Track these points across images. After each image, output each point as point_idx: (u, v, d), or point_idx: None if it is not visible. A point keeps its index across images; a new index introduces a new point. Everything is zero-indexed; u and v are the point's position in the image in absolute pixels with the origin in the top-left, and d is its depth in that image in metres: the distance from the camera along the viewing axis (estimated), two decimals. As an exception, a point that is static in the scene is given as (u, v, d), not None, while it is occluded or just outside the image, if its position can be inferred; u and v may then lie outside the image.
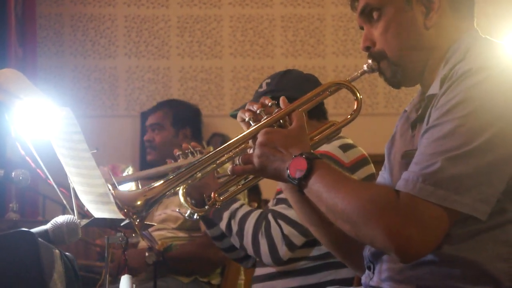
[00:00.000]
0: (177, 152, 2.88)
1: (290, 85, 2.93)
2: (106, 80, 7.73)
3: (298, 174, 1.74)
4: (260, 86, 3.04)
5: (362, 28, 1.96)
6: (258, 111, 1.91)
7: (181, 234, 3.81)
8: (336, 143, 2.81)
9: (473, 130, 1.59)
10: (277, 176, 1.82)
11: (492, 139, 1.59)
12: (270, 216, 2.78)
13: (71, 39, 7.75)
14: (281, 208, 2.78)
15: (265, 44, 7.86)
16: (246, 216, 2.82)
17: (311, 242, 2.79)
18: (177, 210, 3.52)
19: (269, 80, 3.03)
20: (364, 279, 1.94)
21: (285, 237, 2.74)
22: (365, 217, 1.62)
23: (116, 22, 7.81)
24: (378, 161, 2.48)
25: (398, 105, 7.71)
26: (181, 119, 4.04)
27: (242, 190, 2.00)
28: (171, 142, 3.94)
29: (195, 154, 2.83)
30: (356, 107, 1.93)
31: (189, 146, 2.87)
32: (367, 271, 1.93)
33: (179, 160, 2.85)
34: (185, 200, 1.89)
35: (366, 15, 1.92)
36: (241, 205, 2.87)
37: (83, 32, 7.76)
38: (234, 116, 3.03)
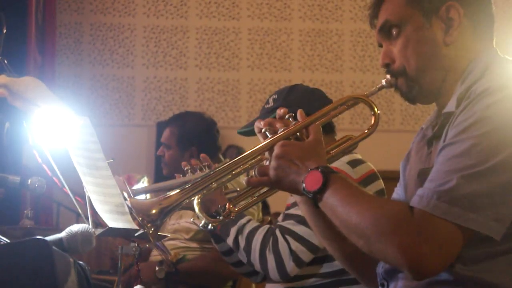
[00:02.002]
0: (185, 167, 2.89)
1: (297, 100, 2.93)
2: (123, 89, 7.77)
3: (313, 188, 1.74)
4: (267, 102, 3.04)
5: (380, 45, 1.96)
6: (276, 124, 1.91)
7: (193, 245, 3.81)
8: (345, 158, 2.79)
9: (489, 149, 1.59)
10: (293, 188, 1.82)
11: (508, 159, 1.58)
12: (277, 232, 2.77)
13: (90, 48, 7.80)
14: (289, 224, 2.77)
15: (282, 57, 7.88)
16: (254, 232, 2.81)
17: (320, 259, 2.77)
18: (191, 220, 3.53)
19: (275, 96, 3.02)
20: (377, 296, 1.93)
21: (292, 253, 2.72)
22: (378, 233, 1.61)
23: (135, 32, 7.86)
24: (393, 177, 2.48)
25: (414, 122, 7.70)
26: (186, 139, 4.00)
27: (257, 202, 2.00)
28: (178, 161, 3.94)
29: (204, 169, 2.83)
30: (374, 122, 1.93)
31: (198, 162, 2.87)
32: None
33: (187, 175, 2.86)
34: (200, 210, 1.89)
35: (385, 32, 1.93)
36: (249, 221, 2.86)
37: (102, 41, 7.81)
38: (241, 133, 3.03)
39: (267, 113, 2.95)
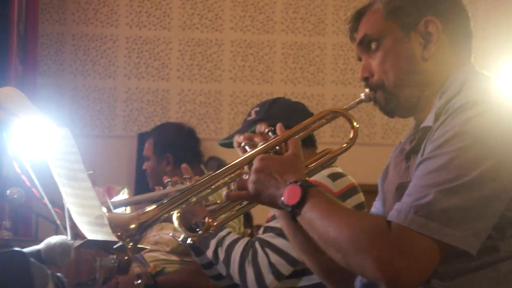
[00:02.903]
0: (166, 179, 2.89)
1: (279, 113, 2.93)
2: (105, 100, 7.75)
3: (292, 202, 1.74)
4: (249, 114, 3.04)
5: (360, 59, 1.98)
6: (255, 138, 1.92)
7: (173, 258, 3.80)
8: (325, 172, 2.80)
9: (467, 164, 1.59)
10: (272, 202, 1.82)
11: (486, 173, 1.59)
12: (257, 244, 2.77)
13: (71, 58, 7.77)
14: (268, 237, 2.77)
15: (265, 70, 7.89)
16: (233, 244, 2.81)
17: (299, 272, 2.77)
18: (170, 234, 3.52)
19: (258, 109, 3.03)
20: (355, 310, 1.93)
21: (272, 265, 2.72)
22: (356, 247, 1.62)
23: (117, 43, 7.85)
24: (373, 191, 2.48)
25: (395, 136, 7.73)
26: (160, 147, 4.02)
27: (236, 216, 2.01)
28: (157, 171, 3.96)
29: (184, 182, 2.83)
30: (352, 136, 1.94)
31: (179, 178, 2.87)
32: (358, 302, 1.92)
33: (167, 187, 2.85)
34: (180, 224, 1.89)
35: (365, 45, 1.94)
36: (228, 233, 2.86)
37: (84, 51, 7.80)
38: (223, 145, 3.04)
39: (249, 125, 2.96)
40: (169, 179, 2.87)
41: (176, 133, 4.13)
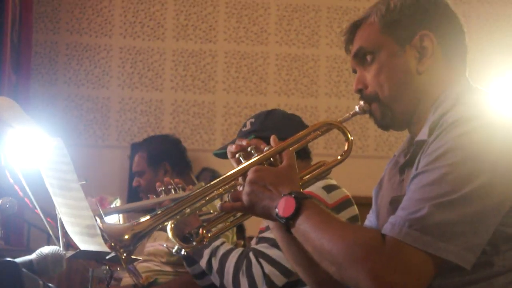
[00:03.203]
0: (159, 187, 2.88)
1: (274, 125, 2.94)
2: (98, 110, 7.74)
3: (286, 213, 1.74)
4: (244, 125, 3.04)
5: (354, 71, 1.98)
6: (248, 149, 1.92)
7: (166, 269, 3.79)
8: (320, 183, 2.80)
9: (461, 178, 1.59)
10: (266, 214, 1.82)
11: (480, 188, 1.59)
12: (251, 255, 2.77)
13: (65, 68, 7.77)
14: (263, 247, 2.77)
15: (258, 81, 7.90)
16: (228, 254, 2.81)
17: (293, 283, 2.77)
18: (164, 245, 3.51)
19: (253, 120, 3.03)
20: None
21: (266, 276, 2.72)
22: (350, 260, 1.61)
23: (111, 53, 7.84)
24: (366, 203, 2.48)
25: (388, 148, 7.74)
26: (155, 157, 4.02)
27: (230, 227, 2.01)
28: (154, 181, 3.94)
29: (178, 191, 2.83)
30: (347, 148, 1.94)
31: (171, 181, 2.87)
32: (351, 314, 1.91)
33: (161, 196, 2.85)
34: (173, 235, 1.88)
35: (360, 58, 1.94)
36: (222, 243, 2.86)
37: (78, 61, 7.79)
38: (217, 155, 3.04)
39: (243, 136, 2.96)
40: (162, 188, 2.87)
41: (167, 142, 4.16)
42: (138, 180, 4.06)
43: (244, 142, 1.94)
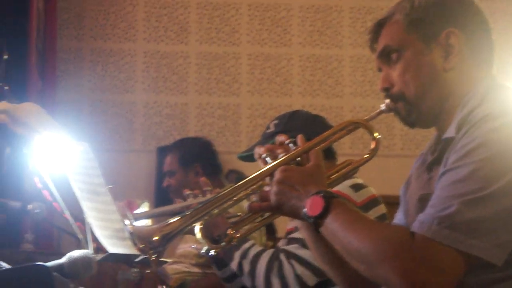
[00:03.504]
0: (187, 192, 2.89)
1: (298, 126, 2.93)
2: (123, 114, 7.78)
3: (314, 213, 1.74)
4: (268, 127, 3.04)
5: (380, 70, 1.97)
6: (278, 151, 1.92)
7: (195, 270, 3.80)
8: (347, 182, 2.80)
9: (490, 175, 1.58)
10: (294, 213, 1.82)
11: (509, 184, 1.58)
12: (282, 256, 2.77)
13: (90, 74, 7.81)
14: (293, 248, 2.77)
15: (283, 82, 7.90)
16: (258, 256, 2.81)
17: (325, 283, 2.77)
18: (192, 246, 3.52)
19: (277, 121, 3.03)
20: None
21: (298, 277, 2.72)
22: (379, 258, 1.61)
23: (135, 58, 7.88)
24: (394, 202, 2.48)
25: (415, 147, 7.69)
26: (187, 158, 4.05)
27: (258, 227, 2.01)
28: (185, 182, 3.95)
29: (205, 194, 2.84)
30: (374, 147, 1.93)
31: (204, 180, 2.88)
32: (381, 313, 1.91)
33: (188, 200, 2.86)
34: (202, 236, 1.89)
35: (385, 56, 1.94)
36: (252, 245, 2.86)
37: (103, 66, 7.83)
38: (242, 158, 3.04)
39: (268, 138, 2.96)
40: (190, 192, 2.88)
41: (200, 144, 4.18)
42: (168, 180, 4.08)
43: (262, 149, 1.94)
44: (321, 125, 2.97)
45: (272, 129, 3.01)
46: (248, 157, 2.93)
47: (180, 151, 4.09)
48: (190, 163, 4.03)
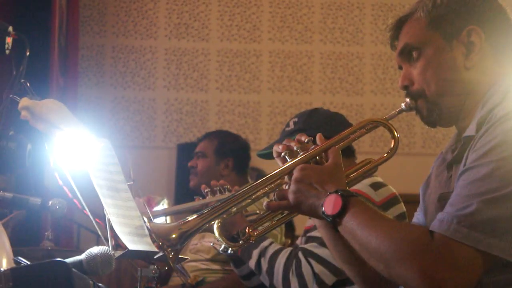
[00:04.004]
0: (205, 189, 2.90)
1: (318, 124, 2.93)
2: (144, 111, 7.80)
3: (332, 211, 1.74)
4: (287, 125, 3.04)
5: (400, 67, 1.96)
6: (294, 148, 1.91)
7: (214, 267, 3.80)
8: (367, 181, 2.79)
9: (510, 173, 1.57)
10: (312, 212, 1.82)
11: (530, 183, 1.57)
12: (300, 255, 2.77)
13: (111, 70, 7.84)
14: (311, 247, 2.77)
15: (303, 80, 7.88)
16: (276, 254, 2.81)
17: (343, 282, 2.76)
18: (211, 244, 3.53)
19: (296, 119, 3.02)
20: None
21: (316, 275, 2.72)
22: (398, 257, 1.60)
23: (156, 55, 7.90)
24: (413, 201, 2.47)
25: (435, 145, 7.66)
26: (225, 149, 4.05)
27: (277, 225, 2.00)
28: (212, 169, 3.96)
29: (224, 192, 2.84)
30: (393, 146, 1.93)
31: (218, 184, 2.89)
32: (400, 312, 1.90)
33: (207, 197, 2.87)
34: (220, 234, 1.89)
35: (406, 54, 1.93)
36: (271, 243, 2.86)
37: (124, 63, 7.86)
38: (261, 156, 3.05)
39: (287, 135, 2.95)
40: (208, 189, 2.89)
41: (239, 142, 4.19)
42: (196, 162, 4.06)
43: (280, 147, 1.94)
44: (340, 123, 2.96)
45: (291, 127, 3.01)
46: (267, 155, 2.93)
47: (219, 140, 4.09)
48: (225, 154, 4.03)
